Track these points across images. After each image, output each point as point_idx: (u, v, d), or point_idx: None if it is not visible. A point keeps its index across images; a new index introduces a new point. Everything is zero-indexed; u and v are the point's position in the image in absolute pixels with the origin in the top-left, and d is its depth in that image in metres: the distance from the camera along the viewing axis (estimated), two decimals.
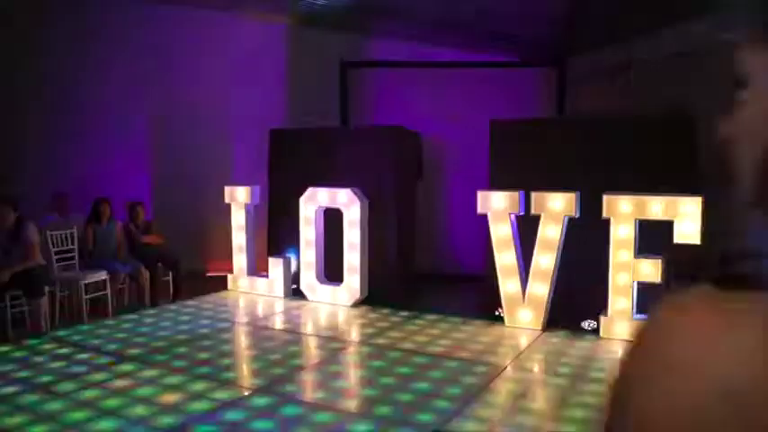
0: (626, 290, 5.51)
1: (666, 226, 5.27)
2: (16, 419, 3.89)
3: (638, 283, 5.48)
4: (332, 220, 7.09)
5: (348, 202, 6.87)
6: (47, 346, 5.48)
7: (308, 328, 6.30)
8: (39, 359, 5.13)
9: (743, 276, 0.47)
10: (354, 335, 6.00)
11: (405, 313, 6.52)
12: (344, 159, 7.17)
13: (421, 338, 5.66)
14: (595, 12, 6.70)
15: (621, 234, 5.50)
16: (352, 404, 4.26)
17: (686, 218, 5.19)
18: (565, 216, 5.74)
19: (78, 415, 3.96)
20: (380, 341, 5.64)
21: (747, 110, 0.54)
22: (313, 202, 7.12)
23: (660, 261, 5.35)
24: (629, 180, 5.61)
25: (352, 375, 4.99)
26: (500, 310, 6.11)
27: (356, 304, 6.90)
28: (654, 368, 0.48)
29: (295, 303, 7.12)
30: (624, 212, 5.48)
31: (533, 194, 5.89)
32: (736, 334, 0.45)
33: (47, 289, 6.10)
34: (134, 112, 8.92)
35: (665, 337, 0.48)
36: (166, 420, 3.88)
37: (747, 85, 0.55)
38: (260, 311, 6.89)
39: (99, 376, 4.69)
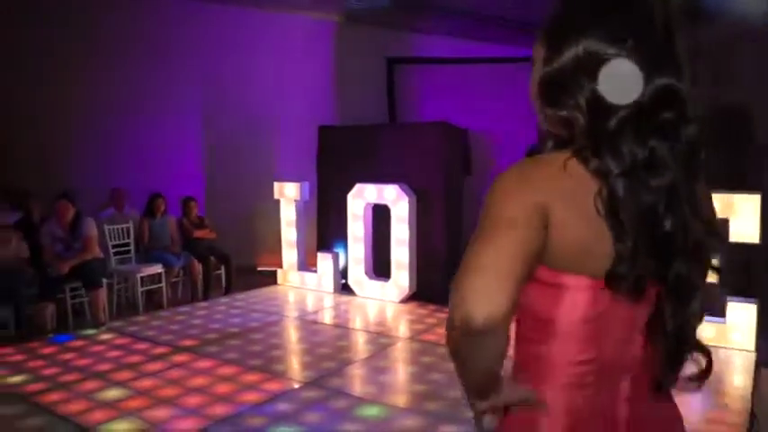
0: None
1: (724, 224, 5.12)
2: (76, 406, 4.03)
3: None
4: (380, 215, 7.12)
5: (396, 198, 6.88)
6: (105, 336, 5.66)
7: (357, 323, 6.34)
8: (97, 348, 5.30)
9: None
10: (403, 330, 6.02)
11: None
12: (392, 155, 7.19)
13: None
14: None
15: None
16: (400, 399, 4.28)
17: (744, 216, 5.02)
18: None
19: (135, 403, 4.09)
20: (429, 337, 5.64)
21: (532, 78, 1.17)
22: (361, 198, 7.16)
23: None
24: None
25: (401, 371, 5.00)
26: None
27: (404, 300, 6.91)
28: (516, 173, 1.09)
29: (344, 298, 7.18)
30: None
31: None
32: (547, 161, 1.09)
33: (104, 281, 6.30)
34: (188, 110, 9.13)
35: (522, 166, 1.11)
36: (219, 410, 3.97)
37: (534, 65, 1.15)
38: (309, 306, 6.96)
39: (155, 366, 4.82)
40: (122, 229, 7.16)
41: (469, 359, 1.09)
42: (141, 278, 6.80)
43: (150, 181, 8.19)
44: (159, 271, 6.98)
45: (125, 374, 4.62)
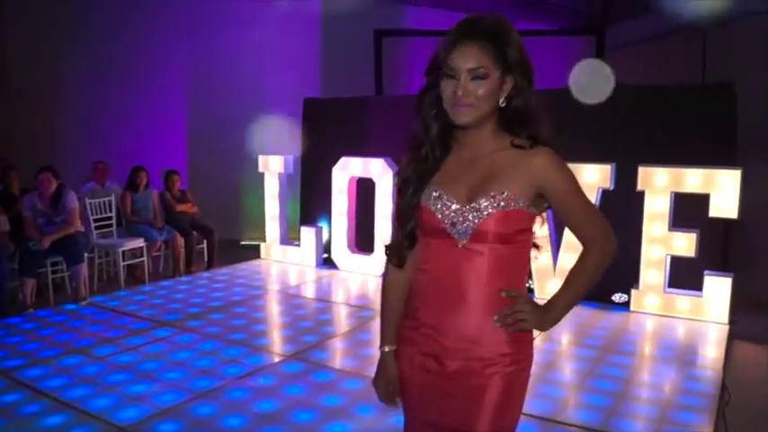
0: (659, 263, 5.44)
1: (703, 199, 5.17)
2: (56, 381, 4.04)
3: (672, 257, 5.43)
4: (365, 189, 7.11)
5: (381, 172, 6.86)
6: (86, 311, 5.65)
7: (339, 297, 6.37)
8: (78, 323, 5.29)
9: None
10: None
11: None
12: (378, 129, 7.15)
13: None
14: None
15: (656, 207, 5.40)
16: None
17: (724, 191, 5.07)
18: (599, 188, 5.64)
19: (116, 377, 4.10)
20: None
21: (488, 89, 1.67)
22: (346, 172, 7.13)
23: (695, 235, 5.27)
24: (666, 151, 5.49)
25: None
26: (530, 282, 6.07)
27: None
28: None
29: (326, 272, 7.20)
30: (660, 185, 5.37)
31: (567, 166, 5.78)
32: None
33: (86, 255, 6.26)
34: (171, 83, 9.03)
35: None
36: (201, 383, 3.99)
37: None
38: (291, 280, 6.98)
39: (136, 340, 4.82)
40: (104, 202, 7.11)
41: None
42: (123, 252, 6.78)
43: (132, 154, 8.12)
44: (141, 245, 6.96)
45: (105, 349, 4.62)
